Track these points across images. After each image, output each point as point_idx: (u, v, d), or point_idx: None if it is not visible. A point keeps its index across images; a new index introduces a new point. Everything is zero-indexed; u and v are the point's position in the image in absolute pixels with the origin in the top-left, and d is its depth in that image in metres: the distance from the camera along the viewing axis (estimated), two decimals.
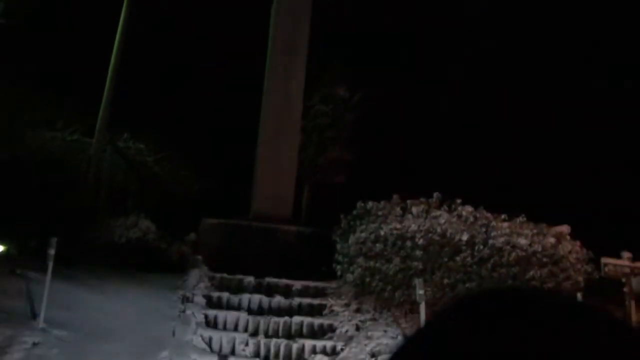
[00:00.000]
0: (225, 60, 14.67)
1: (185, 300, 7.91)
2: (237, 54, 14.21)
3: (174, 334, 6.98)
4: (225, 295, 8.21)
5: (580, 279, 8.12)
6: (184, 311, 7.55)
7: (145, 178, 14.23)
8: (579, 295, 7.53)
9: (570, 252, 8.19)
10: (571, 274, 8.06)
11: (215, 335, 7.22)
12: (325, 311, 8.14)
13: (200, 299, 8.00)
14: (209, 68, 15.21)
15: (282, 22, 11.45)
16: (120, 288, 7.95)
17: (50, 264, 6.45)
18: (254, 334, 7.48)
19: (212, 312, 7.73)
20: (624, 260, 7.94)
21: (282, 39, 11.39)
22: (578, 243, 8.32)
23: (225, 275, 8.78)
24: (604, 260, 7.87)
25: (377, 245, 8.02)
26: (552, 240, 8.17)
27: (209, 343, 7.10)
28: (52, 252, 6.54)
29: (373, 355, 7.06)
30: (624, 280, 7.89)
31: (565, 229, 8.42)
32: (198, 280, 8.47)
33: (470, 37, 14.60)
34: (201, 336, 7.12)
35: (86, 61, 13.87)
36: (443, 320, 0.54)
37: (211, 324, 7.58)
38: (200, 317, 7.54)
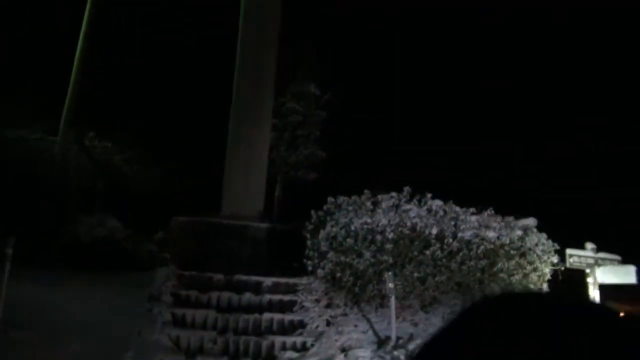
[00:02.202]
0: (195, 57, 14.46)
1: (152, 298, 7.73)
2: (206, 50, 14.03)
3: (139, 333, 6.80)
4: (193, 293, 8.06)
5: (547, 270, 8.27)
6: (150, 310, 7.37)
7: (112, 177, 13.91)
8: (545, 286, 7.68)
9: (536, 244, 8.32)
10: (538, 265, 8.19)
11: (183, 333, 7.08)
12: (296, 307, 8.06)
13: (167, 298, 7.83)
14: (178, 65, 14.97)
15: (251, 17, 11.34)
16: (85, 288, 7.71)
17: (8, 264, 6.21)
18: (223, 331, 7.35)
19: (180, 311, 7.56)
20: (588, 252, 8.11)
21: (252, 35, 11.27)
22: (544, 235, 8.46)
23: (194, 273, 8.62)
24: (568, 251, 8.03)
25: (348, 240, 7.99)
26: (519, 232, 8.29)
27: (177, 342, 6.95)
28: (9, 251, 6.31)
29: (343, 350, 7.02)
30: (588, 270, 8.06)
31: (531, 221, 8.55)
32: (166, 279, 8.29)
33: (440, 34, 14.76)
34: (168, 335, 6.96)
35: (50, 58, 13.48)
36: (459, 324, 0.58)
37: (179, 322, 7.42)
38: (168, 316, 7.37)
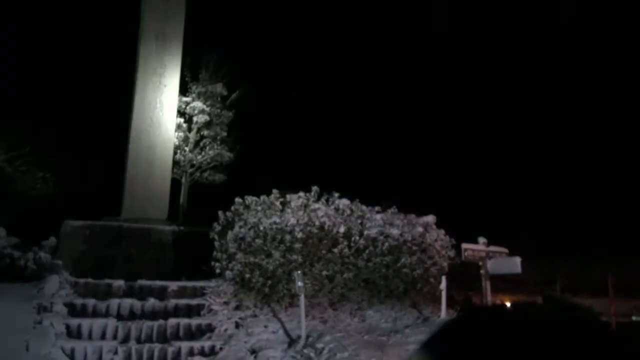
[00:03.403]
0: (92, 50, 13.55)
1: (42, 309, 7.07)
2: (104, 43, 13.20)
3: (27, 348, 6.19)
4: (90, 301, 7.50)
5: (445, 264, 8.80)
6: (40, 322, 6.73)
7: None
8: (443, 279, 8.17)
9: (436, 240, 8.84)
10: (437, 260, 8.70)
11: (79, 345, 6.55)
12: (204, 311, 7.82)
13: (60, 308, 7.20)
14: (73, 60, 13.92)
15: (153, 10, 10.84)
16: None
17: None
18: (125, 340, 6.92)
19: (75, 321, 7.00)
20: (480, 245, 8.76)
21: (152, 25, 10.78)
22: (442, 231, 9.01)
23: (90, 280, 8.04)
24: (464, 245, 8.60)
25: (257, 240, 7.91)
26: (420, 229, 8.75)
27: (71, 355, 6.42)
28: None
29: (253, 351, 6.93)
30: (480, 263, 8.71)
31: (431, 218, 9.06)
32: (58, 288, 7.63)
33: (342, 29, 15.17)
34: (62, 348, 6.41)
35: None
36: (448, 333, 0.58)
37: (74, 333, 6.86)
38: (61, 328, 6.78)
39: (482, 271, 8.72)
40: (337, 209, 8.51)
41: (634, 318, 14.50)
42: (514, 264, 8.30)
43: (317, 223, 8.06)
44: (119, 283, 8.07)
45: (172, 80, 10.96)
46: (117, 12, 13.07)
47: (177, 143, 12.91)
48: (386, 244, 8.35)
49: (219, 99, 14.37)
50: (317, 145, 14.36)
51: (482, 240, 8.77)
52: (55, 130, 13.45)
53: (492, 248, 8.75)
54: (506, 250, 8.80)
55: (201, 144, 14.19)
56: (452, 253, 8.90)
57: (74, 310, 7.33)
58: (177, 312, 7.71)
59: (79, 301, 7.51)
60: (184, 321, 7.42)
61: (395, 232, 8.50)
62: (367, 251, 8.26)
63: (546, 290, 14.12)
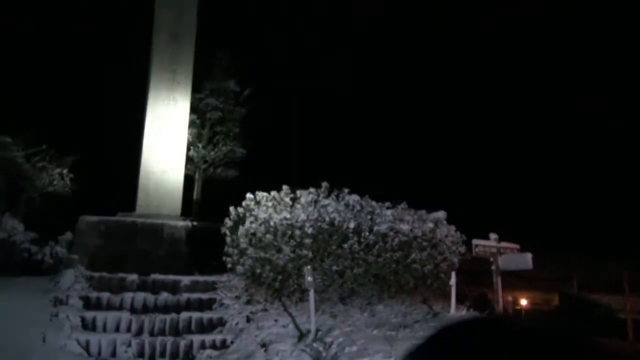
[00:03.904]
0: (107, 47, 13.73)
1: (58, 303, 7.25)
2: (121, 41, 13.37)
3: (44, 340, 6.36)
4: (105, 295, 7.66)
5: (455, 260, 8.79)
6: (56, 315, 6.91)
7: (13, 175, 12.82)
8: (453, 275, 8.16)
9: (446, 235, 8.83)
10: (447, 255, 8.69)
11: (94, 338, 6.71)
12: (215, 305, 7.94)
13: (76, 301, 7.38)
14: (89, 58, 14.13)
15: (167, 8, 10.96)
16: None
17: None
18: (138, 333, 7.07)
19: (90, 314, 7.16)
20: (492, 241, 8.72)
21: (166, 24, 10.90)
22: (453, 227, 8.99)
23: (105, 274, 8.21)
24: (474, 241, 8.58)
25: (268, 235, 7.99)
26: (430, 225, 8.75)
27: (86, 347, 6.57)
28: None
29: (264, 345, 7.02)
30: (491, 259, 8.67)
31: (441, 214, 9.05)
32: (73, 281, 7.81)
33: (359, 33, 15.16)
34: (77, 340, 6.57)
35: None
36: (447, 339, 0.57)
37: (89, 326, 7.02)
38: (76, 320, 6.95)
39: (493, 267, 8.69)
40: (347, 205, 8.54)
41: None
42: (525, 260, 8.25)
43: (327, 219, 8.11)
44: (133, 277, 8.22)
45: (185, 77, 11.08)
46: (132, 9, 13.22)
47: (190, 139, 13.05)
48: (396, 239, 8.36)
49: (232, 95, 14.47)
50: (328, 141, 14.40)
51: (493, 236, 8.74)
52: (71, 127, 13.69)
53: (503, 244, 8.71)
54: (517, 247, 8.75)
55: (214, 140, 14.31)
56: (462, 249, 8.88)
57: (88, 304, 7.50)
58: (189, 306, 7.84)
59: (93, 295, 7.67)
60: (196, 315, 7.54)
61: (405, 227, 8.50)
62: (377, 247, 8.28)
63: (562, 288, 13.98)
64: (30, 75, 13.83)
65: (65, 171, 13.39)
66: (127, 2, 13.88)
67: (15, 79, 13.50)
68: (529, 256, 8.17)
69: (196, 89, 13.51)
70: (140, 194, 10.59)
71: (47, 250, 9.12)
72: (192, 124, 13.42)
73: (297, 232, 7.99)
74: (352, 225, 8.23)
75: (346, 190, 8.76)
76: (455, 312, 7.90)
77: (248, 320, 7.53)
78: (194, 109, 13.52)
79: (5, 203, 10.69)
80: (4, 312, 6.79)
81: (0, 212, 9.46)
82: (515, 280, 11.47)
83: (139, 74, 11.45)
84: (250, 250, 8.04)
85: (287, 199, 8.51)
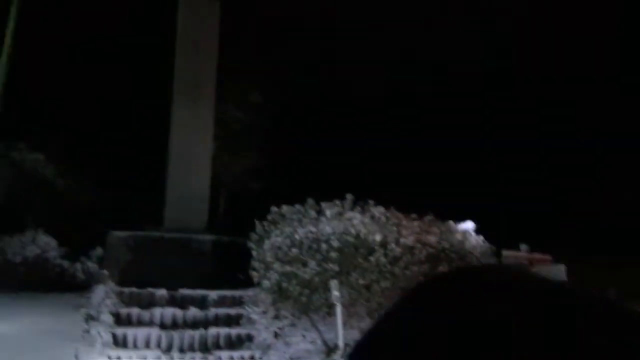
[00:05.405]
0: (132, 62, 14.00)
1: (90, 319, 7.38)
2: (143, 57, 13.62)
3: (77, 356, 6.47)
4: (135, 310, 7.77)
5: None
6: (88, 331, 7.03)
7: (45, 191, 13.16)
8: None
9: (475, 247, 8.65)
10: None
11: (124, 354, 6.81)
12: (243, 320, 7.97)
13: (107, 317, 7.50)
14: (114, 73, 14.42)
15: (188, 20, 11.12)
16: (14, 311, 7.25)
17: None
18: (168, 350, 7.14)
19: (120, 330, 7.27)
20: (523, 253, 8.53)
21: (190, 39, 11.06)
22: (482, 238, 8.81)
23: (134, 289, 8.32)
24: (505, 253, 8.39)
25: (293, 249, 7.97)
26: (458, 236, 8.59)
27: None
28: None
29: None
30: None
31: (470, 225, 8.88)
32: (104, 297, 7.94)
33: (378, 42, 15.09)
34: (108, 356, 6.67)
35: None
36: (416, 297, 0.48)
37: (120, 342, 7.13)
38: (107, 337, 7.06)
39: None
40: (372, 217, 8.46)
41: None
42: (559, 272, 8.02)
43: (352, 231, 8.04)
44: (162, 292, 8.32)
45: (208, 90, 11.21)
46: (155, 22, 13.44)
47: (215, 151, 13.17)
48: (423, 251, 8.23)
49: (255, 107, 14.57)
50: (353, 153, 14.33)
51: (524, 247, 8.53)
52: (100, 141, 13.98)
53: (535, 255, 8.50)
54: (550, 258, 8.53)
55: (239, 152, 14.42)
56: (492, 261, 8.69)
57: (119, 320, 7.61)
58: (217, 321, 7.88)
59: (124, 310, 7.79)
60: (224, 330, 7.58)
61: (432, 239, 8.37)
62: (403, 259, 8.16)
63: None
64: (58, 89, 14.20)
65: (96, 185, 13.65)
66: (149, 13, 14.11)
67: (48, 96, 13.89)
68: (562, 268, 7.95)
69: (220, 101, 13.65)
70: (168, 208, 10.74)
71: (78, 266, 9.33)
72: (215, 136, 13.55)
73: (323, 245, 7.95)
74: (378, 237, 8.14)
75: (371, 202, 8.68)
76: None
77: (275, 335, 7.53)
78: (218, 121, 13.66)
79: (38, 220, 10.97)
80: (37, 328, 6.95)
81: (34, 229, 9.71)
82: None
83: (163, 87, 11.62)
84: (276, 264, 8.03)
85: (312, 212, 8.49)
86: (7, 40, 12.06)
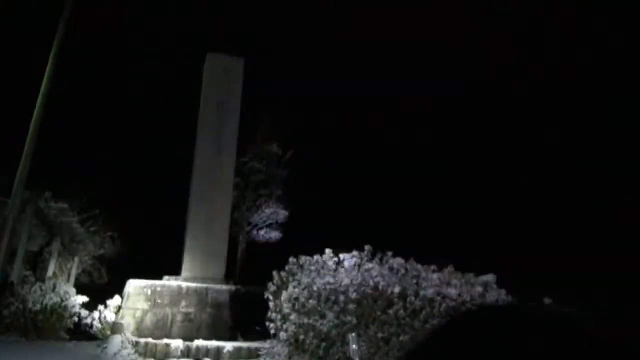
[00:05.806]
0: (155, 115, 14.53)
1: None
2: (167, 109, 14.14)
3: None
4: None
5: None
6: None
7: (67, 240, 13.39)
8: None
9: (497, 300, 8.43)
10: None
11: None
12: None
13: None
14: (138, 124, 14.97)
15: (213, 78, 11.59)
16: (30, 359, 7.22)
17: None
18: None
19: None
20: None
21: (214, 95, 11.49)
22: (504, 291, 8.59)
23: (150, 340, 8.25)
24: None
25: (311, 301, 7.88)
26: (479, 289, 8.39)
27: None
28: None
29: None
30: None
31: (491, 278, 8.69)
32: (120, 348, 7.88)
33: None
34: None
35: (6, 113, 13.24)
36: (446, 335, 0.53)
37: None
38: None
39: None
40: (391, 269, 8.37)
41: None
42: None
43: (371, 283, 7.94)
44: (177, 344, 8.22)
45: (230, 143, 11.51)
46: (178, 80, 14.05)
47: (234, 202, 13.34)
48: (444, 304, 8.04)
49: (275, 158, 14.85)
50: (371, 203, 14.37)
51: (547, 301, 8.27)
52: (120, 192, 14.31)
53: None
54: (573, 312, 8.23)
55: (257, 202, 14.57)
56: None
57: None
58: None
59: None
60: None
61: (453, 292, 8.19)
62: (423, 312, 7.98)
63: None
64: (87, 142, 14.73)
65: (115, 234, 13.87)
66: (176, 72, 14.77)
67: (78, 148, 14.41)
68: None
69: (240, 153, 13.96)
70: (187, 257, 10.79)
71: (96, 315, 9.32)
72: (236, 186, 13.77)
73: (341, 297, 7.84)
74: (397, 290, 8.01)
75: (390, 254, 8.61)
76: None
77: None
78: (237, 172, 13.91)
79: (59, 268, 11.12)
80: None
81: (55, 278, 9.82)
82: None
83: (186, 140, 11.97)
84: (293, 316, 7.93)
85: (331, 263, 8.45)
86: (43, 89, 12.62)
